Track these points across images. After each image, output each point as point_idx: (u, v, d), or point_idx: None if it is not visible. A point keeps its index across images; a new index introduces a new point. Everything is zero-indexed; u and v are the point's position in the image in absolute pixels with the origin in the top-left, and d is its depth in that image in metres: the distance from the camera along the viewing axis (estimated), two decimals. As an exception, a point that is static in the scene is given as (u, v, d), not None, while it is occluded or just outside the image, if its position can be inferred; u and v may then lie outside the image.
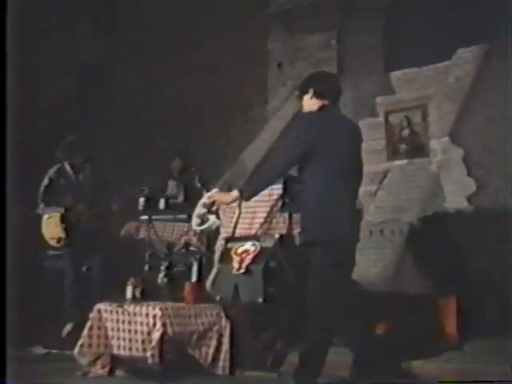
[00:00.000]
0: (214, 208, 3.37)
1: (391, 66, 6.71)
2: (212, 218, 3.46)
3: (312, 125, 3.18)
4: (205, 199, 3.35)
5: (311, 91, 3.26)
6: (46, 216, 5.00)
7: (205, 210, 3.39)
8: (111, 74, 7.83)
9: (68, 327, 4.73)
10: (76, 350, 3.77)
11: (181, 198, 5.05)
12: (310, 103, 3.27)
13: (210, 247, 4.71)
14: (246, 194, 3.16)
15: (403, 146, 6.01)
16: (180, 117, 7.43)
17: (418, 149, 5.89)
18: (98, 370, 3.73)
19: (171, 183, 5.91)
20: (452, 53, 6.07)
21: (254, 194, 3.24)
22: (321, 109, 3.23)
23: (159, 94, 7.53)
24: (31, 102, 6.64)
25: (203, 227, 3.53)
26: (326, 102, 3.22)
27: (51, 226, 4.98)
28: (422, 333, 3.86)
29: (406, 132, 6.04)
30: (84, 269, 4.83)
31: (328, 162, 3.10)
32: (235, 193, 3.15)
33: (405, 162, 5.89)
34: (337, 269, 3.07)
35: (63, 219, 4.97)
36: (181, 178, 5.74)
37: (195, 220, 3.50)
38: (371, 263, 5.22)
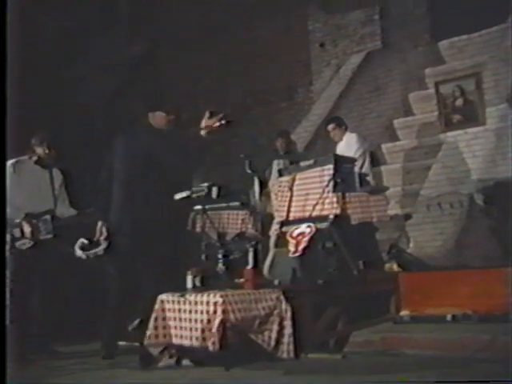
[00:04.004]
0: None
1: (438, 36, 6.52)
2: None
3: None
4: None
5: None
6: None
7: None
8: (152, 69, 7.92)
9: (136, 321, 4.82)
10: (145, 341, 3.84)
11: None
12: None
13: (265, 232, 4.70)
14: None
15: (457, 117, 5.82)
16: (223, 105, 7.43)
17: (472, 118, 5.69)
18: (167, 359, 3.79)
19: None
20: (506, 15, 5.82)
21: None
22: None
23: (201, 83, 7.57)
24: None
25: None
26: None
27: None
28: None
29: (459, 102, 5.85)
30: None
31: None
32: None
33: (459, 132, 5.70)
34: None
35: None
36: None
37: None
38: (430, 238, 5.10)
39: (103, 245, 4.11)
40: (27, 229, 4.18)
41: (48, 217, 4.28)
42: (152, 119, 4.14)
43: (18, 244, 4.14)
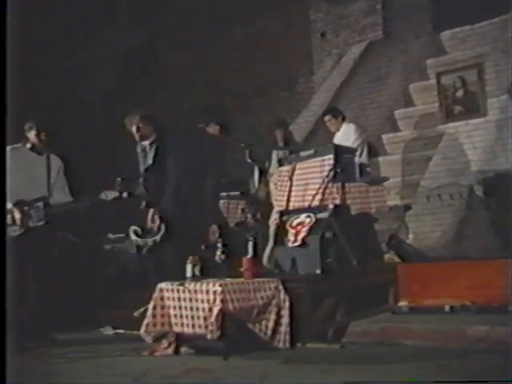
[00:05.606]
0: None
1: (441, 26, 6.49)
2: None
3: None
4: None
5: None
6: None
7: None
8: (153, 61, 7.89)
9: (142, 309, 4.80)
10: (142, 330, 3.84)
11: None
12: None
13: (264, 222, 4.69)
14: None
15: (458, 108, 5.80)
16: (224, 95, 7.42)
17: (474, 109, 5.66)
18: (164, 348, 3.79)
19: None
20: (508, 7, 5.78)
21: None
22: None
23: (201, 73, 7.55)
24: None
25: None
26: None
27: None
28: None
29: (460, 93, 5.82)
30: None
31: None
32: None
33: (460, 123, 5.68)
34: None
35: None
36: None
37: None
38: (429, 229, 5.10)
39: (161, 231, 4.22)
40: (17, 215, 4.13)
41: (40, 204, 4.22)
42: (210, 129, 4.97)
43: (9, 231, 4.09)
